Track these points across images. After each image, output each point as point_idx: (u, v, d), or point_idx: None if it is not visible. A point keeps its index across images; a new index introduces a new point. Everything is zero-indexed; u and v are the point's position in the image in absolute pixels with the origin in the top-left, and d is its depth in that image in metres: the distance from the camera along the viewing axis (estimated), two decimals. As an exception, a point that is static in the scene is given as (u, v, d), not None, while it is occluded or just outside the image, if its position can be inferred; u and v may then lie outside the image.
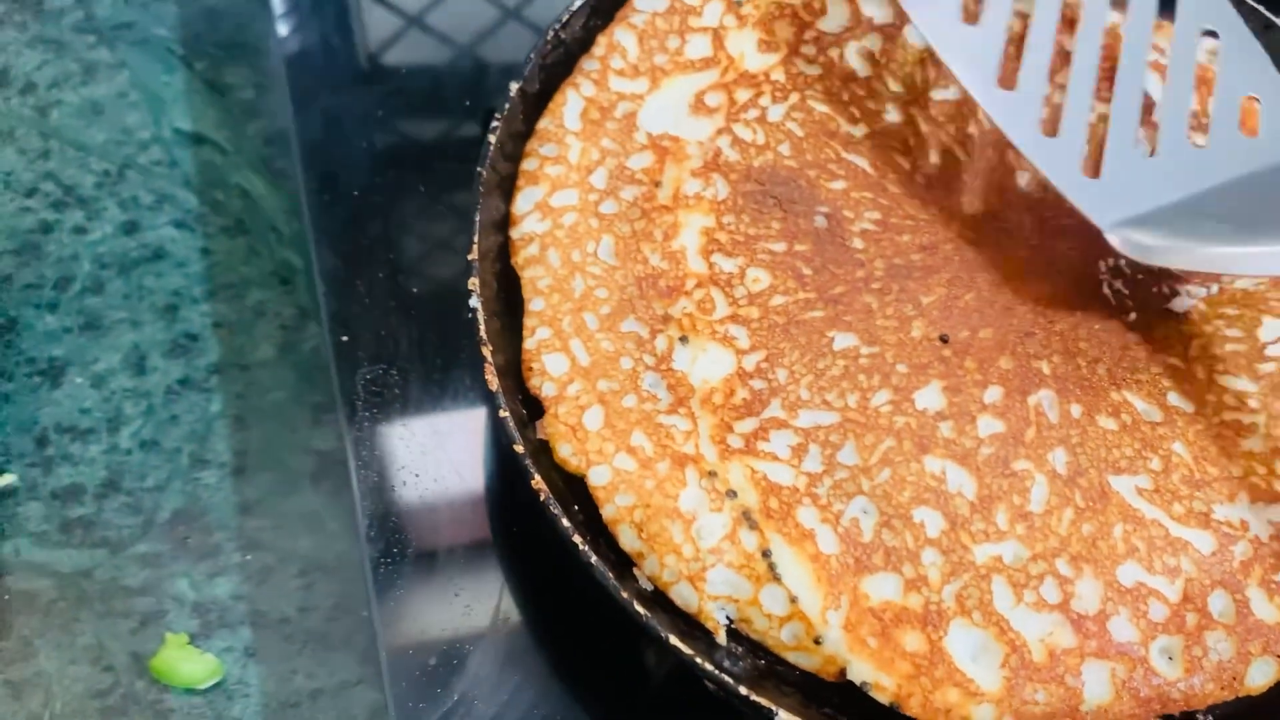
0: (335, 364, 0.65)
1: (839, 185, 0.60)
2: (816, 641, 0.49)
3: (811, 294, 0.57)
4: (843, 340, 0.56)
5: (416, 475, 0.62)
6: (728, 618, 0.51)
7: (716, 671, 0.47)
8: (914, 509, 0.52)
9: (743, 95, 0.62)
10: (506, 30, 0.80)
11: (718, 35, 0.63)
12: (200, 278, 0.75)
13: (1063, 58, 0.59)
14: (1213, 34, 0.60)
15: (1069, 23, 0.60)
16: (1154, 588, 0.51)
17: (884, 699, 0.49)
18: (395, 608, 0.58)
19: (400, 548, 0.60)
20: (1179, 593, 0.52)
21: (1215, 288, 0.59)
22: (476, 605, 0.58)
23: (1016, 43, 0.59)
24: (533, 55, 0.61)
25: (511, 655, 0.57)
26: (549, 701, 0.56)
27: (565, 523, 0.49)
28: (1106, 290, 0.59)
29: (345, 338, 0.66)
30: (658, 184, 0.59)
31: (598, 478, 0.51)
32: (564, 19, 0.63)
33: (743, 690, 0.46)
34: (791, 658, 0.50)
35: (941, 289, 0.57)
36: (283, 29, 0.77)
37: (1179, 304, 0.59)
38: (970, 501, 0.52)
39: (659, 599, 0.50)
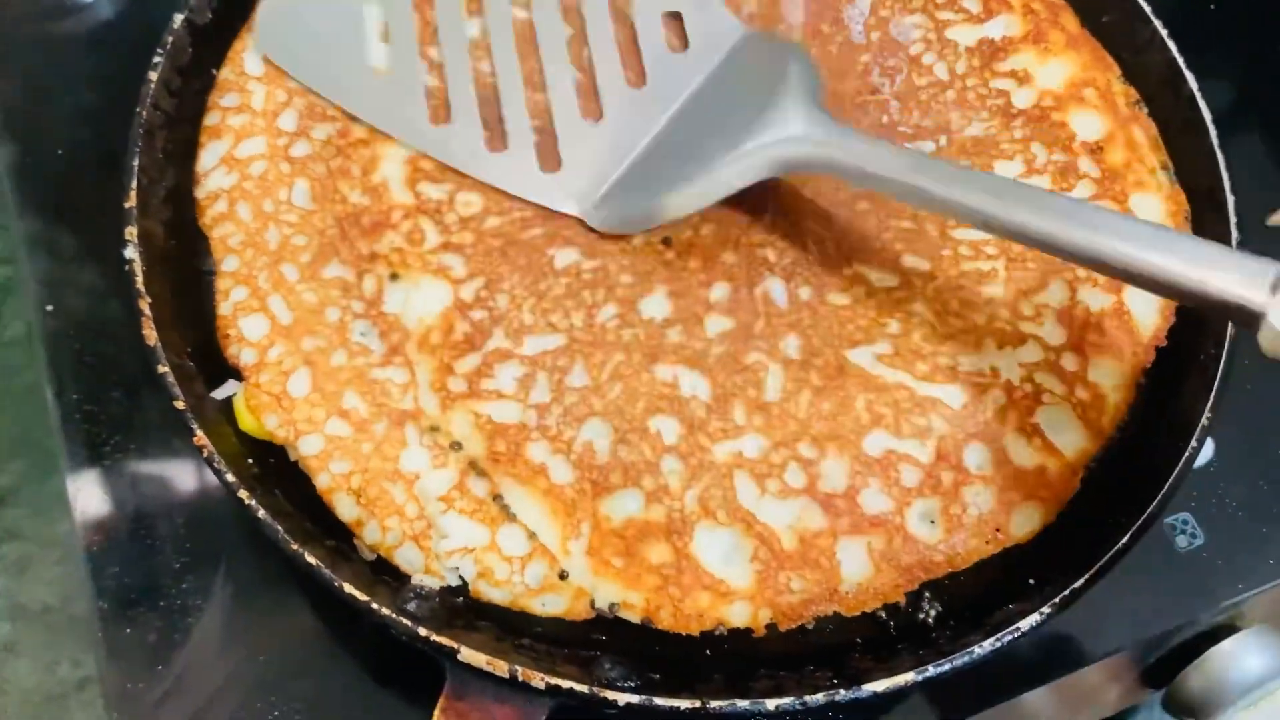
0: (44, 339, 0.60)
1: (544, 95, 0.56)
2: (562, 576, 0.47)
3: (529, 212, 0.54)
4: (564, 257, 0.53)
5: (132, 448, 0.57)
6: (460, 577, 0.48)
7: (394, 615, 0.43)
8: (649, 419, 0.50)
9: (435, 9, 0.58)
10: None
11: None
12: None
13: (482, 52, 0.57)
14: None
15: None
16: (904, 453, 0.50)
17: (634, 618, 0.47)
18: (117, 591, 0.54)
19: (117, 526, 0.56)
20: (931, 453, 0.51)
21: (944, 139, 0.58)
22: (198, 580, 0.55)
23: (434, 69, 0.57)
24: (203, -21, 0.56)
25: (234, 631, 0.54)
26: (271, 677, 0.53)
27: (230, 478, 0.45)
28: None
29: (51, 306, 0.60)
30: (353, 118, 0.55)
31: (309, 447, 0.48)
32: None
33: (421, 632, 0.43)
34: (540, 602, 0.48)
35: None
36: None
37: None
38: (705, 403, 0.50)
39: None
